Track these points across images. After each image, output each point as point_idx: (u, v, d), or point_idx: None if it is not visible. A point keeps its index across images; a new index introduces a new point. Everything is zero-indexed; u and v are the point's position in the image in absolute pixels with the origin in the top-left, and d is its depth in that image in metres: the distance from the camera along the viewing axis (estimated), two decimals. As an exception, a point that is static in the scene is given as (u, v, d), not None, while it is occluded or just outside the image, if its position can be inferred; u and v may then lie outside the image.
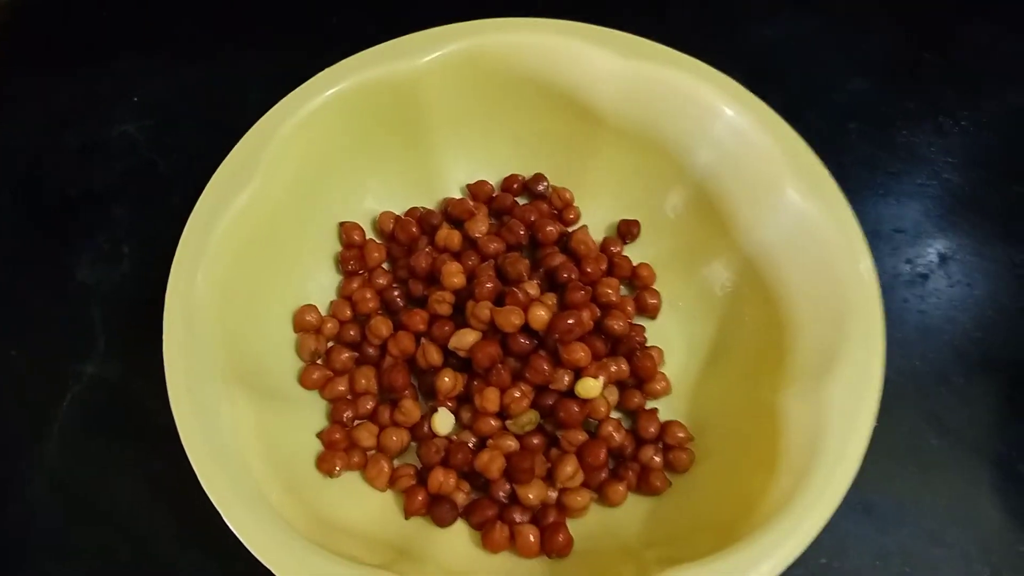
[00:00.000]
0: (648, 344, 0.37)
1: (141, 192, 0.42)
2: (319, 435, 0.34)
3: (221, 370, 0.30)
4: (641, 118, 0.37)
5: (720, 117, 0.34)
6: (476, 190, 0.40)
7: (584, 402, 0.33)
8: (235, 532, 0.27)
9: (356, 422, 0.35)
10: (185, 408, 0.29)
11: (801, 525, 0.27)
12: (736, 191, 0.35)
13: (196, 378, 0.29)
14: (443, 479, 0.32)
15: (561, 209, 0.40)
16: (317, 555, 0.27)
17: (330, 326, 0.36)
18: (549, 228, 0.38)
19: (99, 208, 0.42)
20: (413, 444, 0.35)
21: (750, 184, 0.34)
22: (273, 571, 0.26)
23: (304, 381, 0.35)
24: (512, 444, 0.33)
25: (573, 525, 0.33)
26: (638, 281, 0.38)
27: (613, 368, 0.34)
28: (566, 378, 0.33)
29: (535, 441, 0.34)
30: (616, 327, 0.35)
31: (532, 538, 0.31)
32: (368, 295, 0.36)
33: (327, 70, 0.36)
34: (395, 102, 0.37)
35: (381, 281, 0.38)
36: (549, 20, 0.37)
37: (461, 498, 0.33)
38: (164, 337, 0.30)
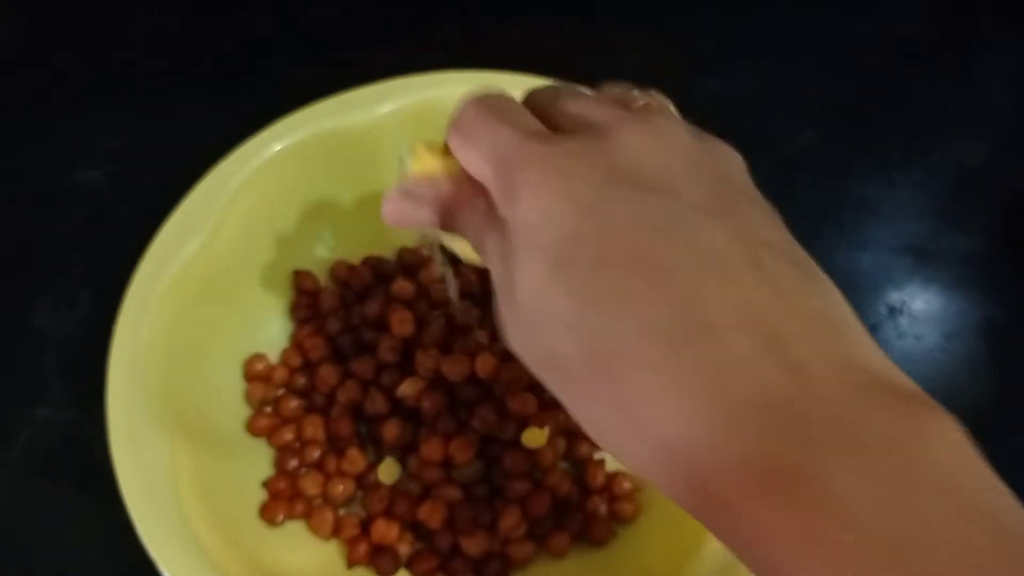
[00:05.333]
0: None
1: (101, 238, 0.43)
2: (264, 483, 0.34)
3: (164, 420, 0.30)
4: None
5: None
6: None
7: (530, 452, 0.34)
8: (167, 582, 0.27)
9: (302, 470, 0.35)
10: (125, 457, 0.29)
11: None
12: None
13: (138, 428, 0.30)
14: (386, 529, 0.32)
15: (516, 258, 0.40)
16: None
17: (280, 374, 0.36)
18: (502, 277, 0.38)
19: (59, 253, 0.42)
20: (359, 493, 0.35)
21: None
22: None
23: (252, 429, 0.35)
24: (456, 494, 0.33)
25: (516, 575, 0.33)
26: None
27: (561, 417, 0.35)
28: (512, 428, 0.33)
29: (480, 491, 0.34)
30: (563, 377, 0.35)
31: (473, 590, 0.31)
32: (319, 343, 0.37)
33: (281, 120, 0.36)
34: (351, 152, 0.37)
35: (333, 328, 0.38)
36: (502, 74, 0.38)
37: (404, 548, 0.33)
38: (108, 388, 0.30)
